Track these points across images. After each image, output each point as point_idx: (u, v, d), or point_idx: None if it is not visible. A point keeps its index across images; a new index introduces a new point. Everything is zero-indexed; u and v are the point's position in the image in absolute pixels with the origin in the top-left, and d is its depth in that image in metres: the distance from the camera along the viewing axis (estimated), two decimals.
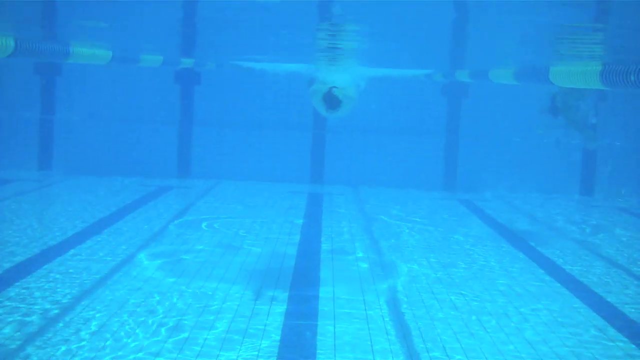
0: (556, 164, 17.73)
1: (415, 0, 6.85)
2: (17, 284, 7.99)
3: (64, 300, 7.48)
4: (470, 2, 6.84)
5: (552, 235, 12.64)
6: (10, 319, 6.80)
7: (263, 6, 7.20)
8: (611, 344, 6.95)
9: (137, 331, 6.68)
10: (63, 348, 6.16)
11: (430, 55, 12.73)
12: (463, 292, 8.52)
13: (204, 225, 12.01)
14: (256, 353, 6.27)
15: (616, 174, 17.59)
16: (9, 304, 7.27)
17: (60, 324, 6.75)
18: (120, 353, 6.12)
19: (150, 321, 6.97)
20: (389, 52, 12.28)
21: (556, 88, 12.84)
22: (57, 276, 8.41)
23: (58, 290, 7.85)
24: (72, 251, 9.70)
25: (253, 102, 18.01)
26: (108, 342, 6.34)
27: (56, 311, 7.12)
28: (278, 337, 6.69)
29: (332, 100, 10.59)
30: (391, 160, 18.00)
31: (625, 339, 7.10)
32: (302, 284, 8.70)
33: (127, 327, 6.78)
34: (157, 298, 7.74)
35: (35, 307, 7.20)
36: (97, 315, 7.06)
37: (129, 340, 6.42)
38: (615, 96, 16.74)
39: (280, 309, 7.53)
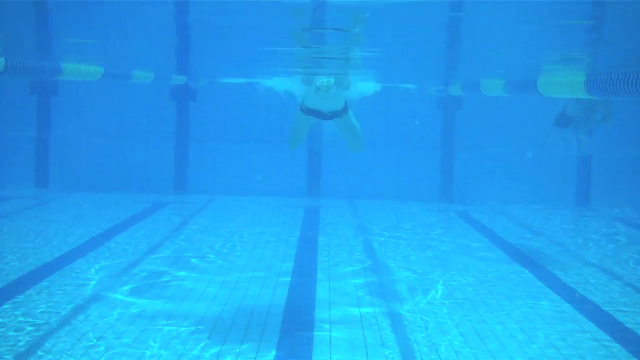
0: (551, 175, 17.78)
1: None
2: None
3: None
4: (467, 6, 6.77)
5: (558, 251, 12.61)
6: None
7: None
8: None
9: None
10: None
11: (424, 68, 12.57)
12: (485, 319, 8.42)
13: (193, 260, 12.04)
14: None
15: (612, 183, 17.61)
16: None
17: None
18: None
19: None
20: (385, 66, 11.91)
21: (567, 99, 12.74)
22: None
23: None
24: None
25: (248, 116, 18.08)
26: None
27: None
28: None
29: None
30: (387, 173, 18.04)
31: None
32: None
33: None
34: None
35: None
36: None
37: None
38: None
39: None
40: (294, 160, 17.94)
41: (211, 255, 10.87)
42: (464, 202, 17.35)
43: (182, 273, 9.66)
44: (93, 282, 8.97)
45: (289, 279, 9.61)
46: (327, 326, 7.52)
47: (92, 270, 9.65)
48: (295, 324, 7.66)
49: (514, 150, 17.90)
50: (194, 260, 10.51)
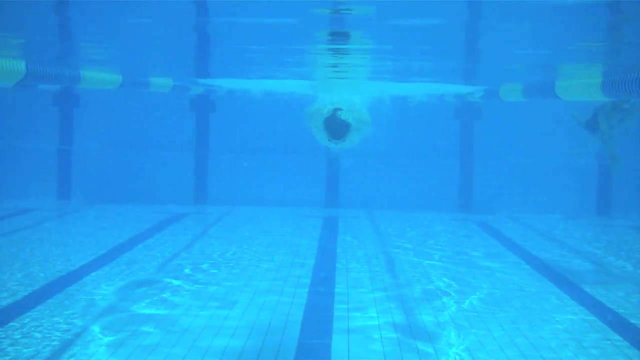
0: (572, 183, 17.66)
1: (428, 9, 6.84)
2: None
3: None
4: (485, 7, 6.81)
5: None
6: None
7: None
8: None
9: None
10: None
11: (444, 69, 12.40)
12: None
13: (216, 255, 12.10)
14: None
15: (633, 191, 17.45)
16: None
17: None
18: None
19: None
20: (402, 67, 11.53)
21: (598, 104, 12.57)
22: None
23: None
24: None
25: (267, 127, 18.18)
26: None
27: None
28: None
29: (336, 126, 8.96)
30: (406, 183, 18.03)
31: None
32: None
33: None
34: None
35: None
36: None
37: None
38: None
39: None
40: (312, 171, 18.01)
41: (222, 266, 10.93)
42: (484, 212, 17.26)
43: (199, 278, 9.74)
44: (110, 293, 9.03)
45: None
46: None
47: (113, 280, 9.73)
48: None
49: (534, 159, 17.82)
50: (213, 270, 10.57)
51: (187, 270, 10.16)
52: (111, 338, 6.95)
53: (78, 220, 15.46)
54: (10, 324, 7.32)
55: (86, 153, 18.16)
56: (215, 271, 10.19)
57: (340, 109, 9.16)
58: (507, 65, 10.66)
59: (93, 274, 9.83)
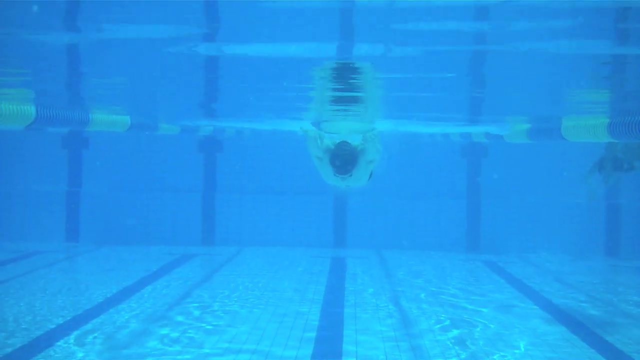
0: (580, 224, 17.59)
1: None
2: None
3: None
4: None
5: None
6: None
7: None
8: None
9: None
10: None
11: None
12: None
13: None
14: None
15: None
16: None
17: None
18: None
19: None
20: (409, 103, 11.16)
21: (612, 144, 12.29)
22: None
23: None
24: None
25: (274, 167, 18.26)
26: None
27: None
28: None
29: (345, 157, 8.07)
30: (414, 223, 18.01)
31: None
32: None
33: None
34: None
35: None
36: None
37: None
38: None
39: None
40: (320, 211, 18.03)
41: (234, 307, 10.89)
42: (492, 252, 17.19)
43: (209, 321, 9.69)
44: (125, 333, 9.02)
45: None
46: None
47: (122, 320, 9.71)
48: None
49: (542, 199, 17.79)
50: (219, 313, 10.53)
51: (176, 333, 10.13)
52: None
53: (86, 262, 15.50)
54: None
55: (95, 195, 18.24)
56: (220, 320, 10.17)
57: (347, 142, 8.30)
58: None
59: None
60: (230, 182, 18.34)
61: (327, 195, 17.93)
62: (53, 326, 9.24)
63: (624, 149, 11.99)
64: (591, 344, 8.94)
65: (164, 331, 9.04)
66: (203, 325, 9.45)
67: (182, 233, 18.01)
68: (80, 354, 7.93)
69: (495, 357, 8.16)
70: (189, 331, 9.10)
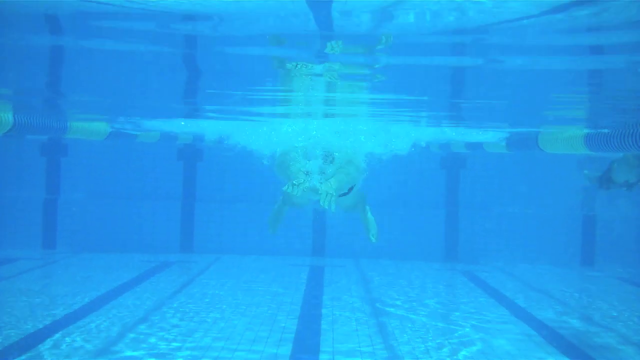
0: (557, 234, 17.76)
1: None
2: None
3: None
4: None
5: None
6: None
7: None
8: None
9: None
10: None
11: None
12: None
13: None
14: None
15: (616, 243, 17.57)
16: None
17: None
18: None
19: None
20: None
21: (613, 158, 12.06)
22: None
23: None
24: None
25: (254, 176, 18.23)
26: None
27: None
28: None
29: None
30: (392, 232, 18.06)
31: None
32: None
33: None
34: None
35: None
36: None
37: None
38: None
39: None
40: (299, 220, 18.03)
41: (215, 314, 10.86)
42: (469, 262, 17.29)
43: (189, 327, 9.67)
44: (98, 341, 8.96)
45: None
46: None
47: (99, 327, 9.65)
48: None
49: (519, 210, 17.93)
50: (195, 318, 10.50)
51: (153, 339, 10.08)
52: None
53: (61, 269, 15.36)
54: None
55: (72, 202, 18.11)
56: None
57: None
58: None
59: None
60: (210, 190, 18.30)
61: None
62: (22, 334, 9.16)
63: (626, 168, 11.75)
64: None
65: (133, 335, 9.00)
66: (170, 336, 9.42)
67: (160, 241, 17.93)
68: None
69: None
70: (151, 339, 9.06)
